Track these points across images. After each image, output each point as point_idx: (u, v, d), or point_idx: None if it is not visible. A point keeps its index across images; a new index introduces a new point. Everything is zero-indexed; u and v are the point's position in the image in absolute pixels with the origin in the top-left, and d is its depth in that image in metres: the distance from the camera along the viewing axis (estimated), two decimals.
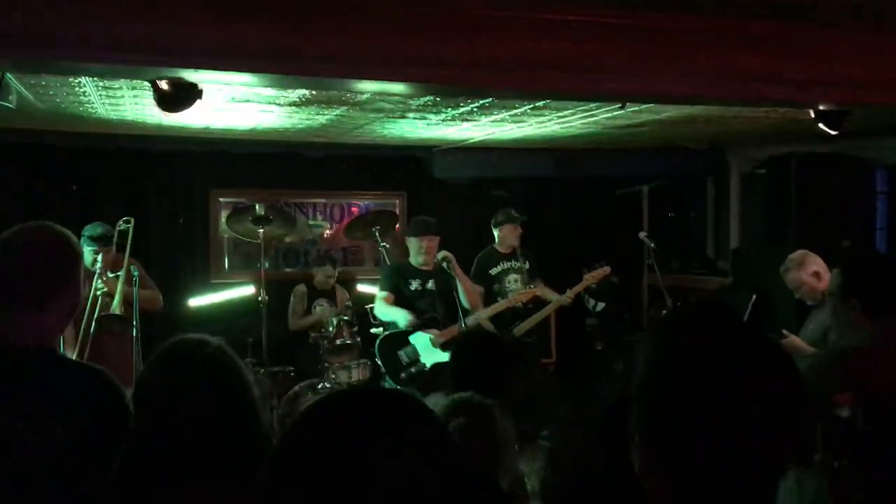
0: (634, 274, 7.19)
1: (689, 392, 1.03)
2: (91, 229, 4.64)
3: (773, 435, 1.02)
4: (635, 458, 1.09)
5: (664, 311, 5.84)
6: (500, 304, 5.51)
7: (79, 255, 2.06)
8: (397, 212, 7.23)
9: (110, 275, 4.64)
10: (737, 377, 1.02)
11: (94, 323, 4.43)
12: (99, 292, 4.54)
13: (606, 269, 5.71)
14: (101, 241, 4.62)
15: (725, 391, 1.01)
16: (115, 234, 4.79)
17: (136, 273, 4.65)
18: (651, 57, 3.31)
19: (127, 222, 4.84)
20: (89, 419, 1.87)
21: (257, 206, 5.71)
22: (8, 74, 3.56)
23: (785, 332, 4.22)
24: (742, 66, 3.42)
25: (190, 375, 1.77)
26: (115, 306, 4.54)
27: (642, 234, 5.96)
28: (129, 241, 4.78)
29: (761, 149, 7.05)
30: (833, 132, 4.10)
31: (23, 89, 4.08)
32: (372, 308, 5.73)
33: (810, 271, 4.34)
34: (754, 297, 6.22)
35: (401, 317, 5.21)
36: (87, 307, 4.43)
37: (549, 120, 5.25)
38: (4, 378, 1.87)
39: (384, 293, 5.33)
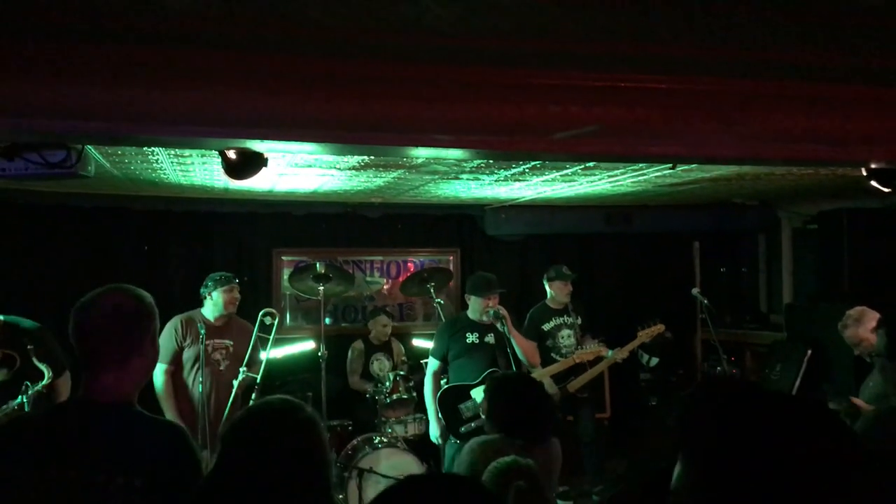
0: (687, 329, 7.18)
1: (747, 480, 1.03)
2: None
3: None
4: None
5: (716, 371, 5.80)
6: (565, 362, 5.50)
7: (154, 315, 2.16)
8: (451, 268, 7.39)
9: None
10: (797, 462, 1.02)
11: None
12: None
13: (661, 327, 5.69)
14: None
15: (786, 477, 1.01)
16: (257, 325, 5.11)
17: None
18: (701, 120, 3.30)
19: (273, 316, 5.15)
20: (166, 472, 1.95)
21: (318, 265, 5.88)
22: (88, 146, 3.76)
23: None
24: (792, 128, 3.38)
25: (279, 435, 1.82)
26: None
27: (695, 291, 5.97)
28: (273, 332, 5.09)
29: (812, 204, 7.04)
30: (886, 189, 4.04)
31: (100, 158, 4.34)
32: (426, 363, 5.83)
33: (869, 327, 4.26)
34: (809, 352, 6.17)
35: (433, 422, 5.25)
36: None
37: (600, 179, 5.33)
38: (87, 433, 1.99)
39: (435, 363, 5.29)
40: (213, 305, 5.10)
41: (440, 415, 5.14)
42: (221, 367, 5.03)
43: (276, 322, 5.17)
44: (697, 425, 1.12)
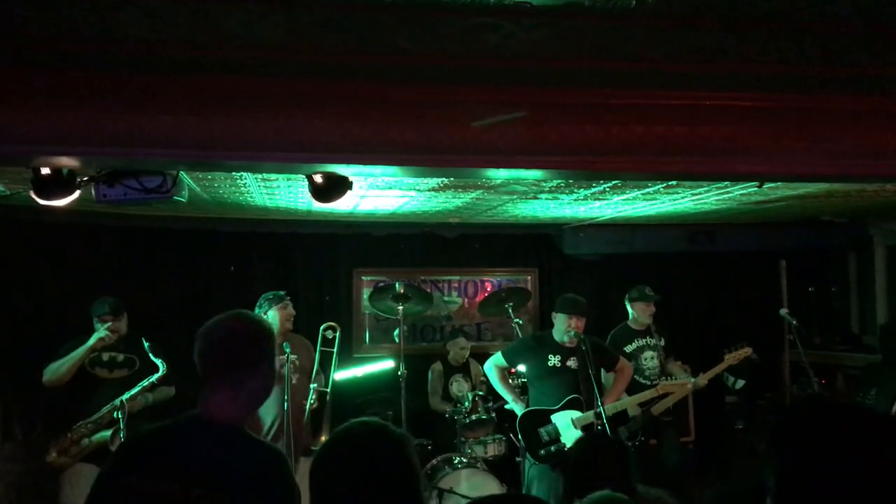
0: (775, 350, 6.95)
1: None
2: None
3: None
4: None
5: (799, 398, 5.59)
6: (650, 393, 5.38)
7: (271, 339, 2.26)
8: (529, 287, 7.37)
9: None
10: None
11: None
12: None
13: (747, 350, 5.52)
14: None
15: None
16: (320, 340, 5.28)
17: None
18: (790, 138, 3.22)
19: (334, 329, 5.34)
20: (256, 493, 2.03)
21: (397, 285, 5.98)
22: (181, 172, 3.93)
23: None
24: (885, 144, 3.27)
25: (369, 458, 1.84)
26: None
27: (783, 311, 5.77)
28: (336, 346, 5.27)
29: None
30: None
31: (192, 183, 4.52)
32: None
33: None
34: None
35: (511, 402, 5.34)
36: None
37: (683, 197, 5.24)
38: (190, 447, 2.10)
39: (502, 362, 5.33)
40: None
41: (520, 435, 5.13)
42: (294, 381, 5.08)
43: (337, 335, 5.27)
44: (791, 449, 1.10)
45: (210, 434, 2.12)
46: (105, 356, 4.91)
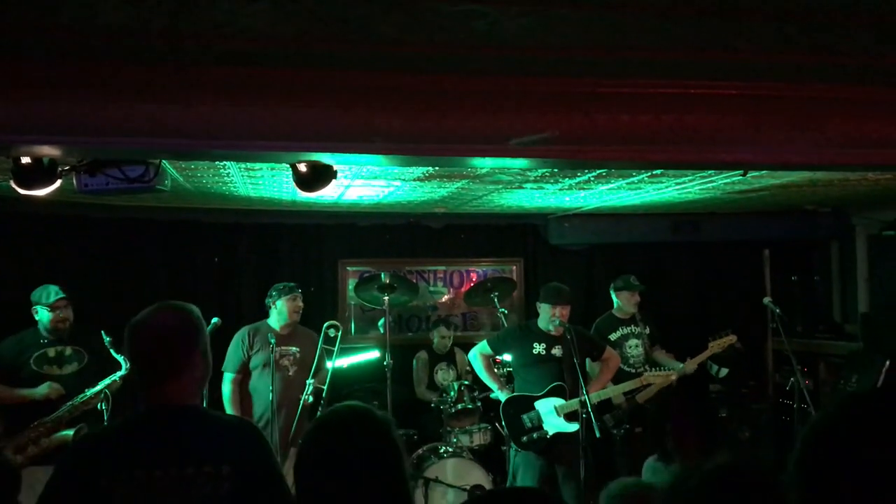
0: (758, 339, 7.01)
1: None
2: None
3: None
4: None
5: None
6: (634, 383, 5.41)
7: (201, 328, 2.27)
8: (514, 277, 7.37)
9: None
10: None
11: None
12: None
13: (732, 338, 5.59)
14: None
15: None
16: (322, 338, 5.29)
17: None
18: (775, 127, 3.24)
19: (337, 328, 5.34)
20: (247, 458, 2.11)
21: (383, 275, 5.97)
22: (164, 161, 3.88)
23: None
24: (869, 132, 3.30)
25: (353, 439, 1.86)
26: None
27: (766, 300, 5.82)
28: (337, 345, 5.28)
29: (889, 210, 6.82)
30: None
31: (175, 173, 4.46)
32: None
33: None
34: (888, 362, 5.95)
35: (495, 389, 5.36)
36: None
37: (667, 187, 5.26)
38: (166, 433, 2.11)
39: (486, 350, 5.36)
40: (277, 314, 5.22)
41: (503, 422, 5.15)
42: (290, 373, 5.16)
43: (339, 334, 5.30)
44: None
45: (176, 417, 2.15)
46: (52, 352, 4.70)
